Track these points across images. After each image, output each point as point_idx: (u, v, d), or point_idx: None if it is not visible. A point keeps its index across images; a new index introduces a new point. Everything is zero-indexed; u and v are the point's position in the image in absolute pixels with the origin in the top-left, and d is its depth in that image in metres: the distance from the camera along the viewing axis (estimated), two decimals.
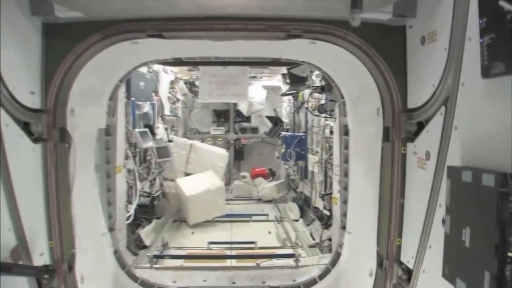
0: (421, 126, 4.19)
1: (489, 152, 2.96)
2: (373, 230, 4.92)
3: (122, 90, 7.56)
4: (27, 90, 4.10)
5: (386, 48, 4.43)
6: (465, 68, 3.25)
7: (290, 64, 8.21)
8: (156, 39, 4.48)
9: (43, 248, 4.34)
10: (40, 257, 4.25)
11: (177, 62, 6.13)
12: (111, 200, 6.15)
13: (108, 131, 6.05)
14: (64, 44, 4.32)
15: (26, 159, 4.15)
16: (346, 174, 6.00)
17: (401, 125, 4.42)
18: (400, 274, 4.52)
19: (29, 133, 4.18)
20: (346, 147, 5.98)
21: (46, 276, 4.09)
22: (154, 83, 9.90)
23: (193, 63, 7.17)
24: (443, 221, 3.52)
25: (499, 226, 2.65)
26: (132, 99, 8.83)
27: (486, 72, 2.82)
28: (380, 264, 4.79)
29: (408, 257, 4.36)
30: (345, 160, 6.03)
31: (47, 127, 4.35)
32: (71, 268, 4.68)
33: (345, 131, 6.04)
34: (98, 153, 5.79)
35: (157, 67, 10.63)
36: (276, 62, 7.36)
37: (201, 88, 8.36)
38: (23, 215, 3.88)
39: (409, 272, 4.36)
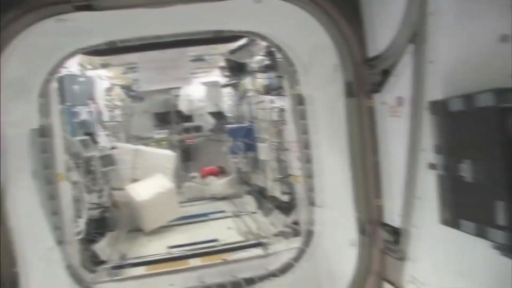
0: (385, 73, 3.89)
1: (476, 78, 2.69)
2: (347, 197, 4.57)
3: (55, 90, 6.84)
4: None
5: None
6: None
7: (232, 39, 7.75)
8: (86, 15, 3.86)
9: None
10: None
11: (111, 49, 5.51)
12: (56, 209, 5.36)
13: (43, 133, 5.29)
14: None
15: None
16: (307, 146, 5.61)
17: (364, 77, 4.13)
18: (386, 237, 4.20)
19: None
20: (303, 117, 5.59)
21: None
22: (90, 87, 9.18)
23: (129, 49, 6.53)
24: (431, 165, 3.23)
25: (506, 147, 2.35)
26: (68, 104, 8.10)
27: None
28: (362, 231, 4.44)
29: (392, 217, 4.05)
30: (304, 131, 5.64)
31: None
32: None
33: (299, 100, 5.64)
34: (34, 158, 5.05)
35: (91, 73, 9.93)
36: (218, 39, 6.89)
37: (141, 76, 7.71)
38: None
39: (395, 233, 4.05)
